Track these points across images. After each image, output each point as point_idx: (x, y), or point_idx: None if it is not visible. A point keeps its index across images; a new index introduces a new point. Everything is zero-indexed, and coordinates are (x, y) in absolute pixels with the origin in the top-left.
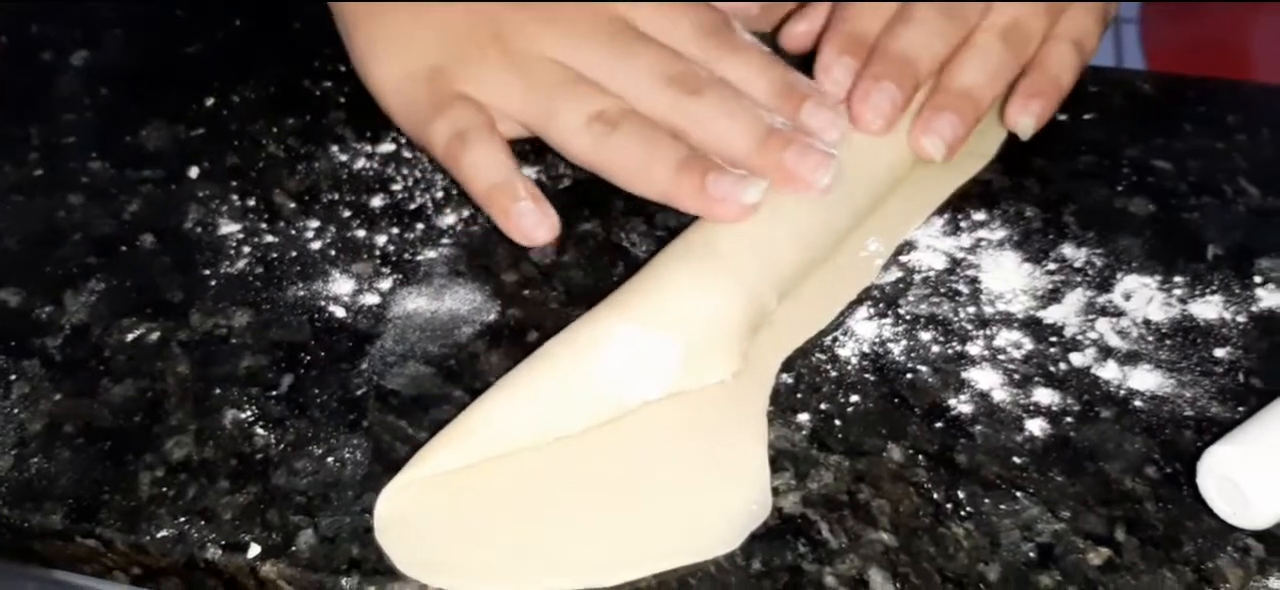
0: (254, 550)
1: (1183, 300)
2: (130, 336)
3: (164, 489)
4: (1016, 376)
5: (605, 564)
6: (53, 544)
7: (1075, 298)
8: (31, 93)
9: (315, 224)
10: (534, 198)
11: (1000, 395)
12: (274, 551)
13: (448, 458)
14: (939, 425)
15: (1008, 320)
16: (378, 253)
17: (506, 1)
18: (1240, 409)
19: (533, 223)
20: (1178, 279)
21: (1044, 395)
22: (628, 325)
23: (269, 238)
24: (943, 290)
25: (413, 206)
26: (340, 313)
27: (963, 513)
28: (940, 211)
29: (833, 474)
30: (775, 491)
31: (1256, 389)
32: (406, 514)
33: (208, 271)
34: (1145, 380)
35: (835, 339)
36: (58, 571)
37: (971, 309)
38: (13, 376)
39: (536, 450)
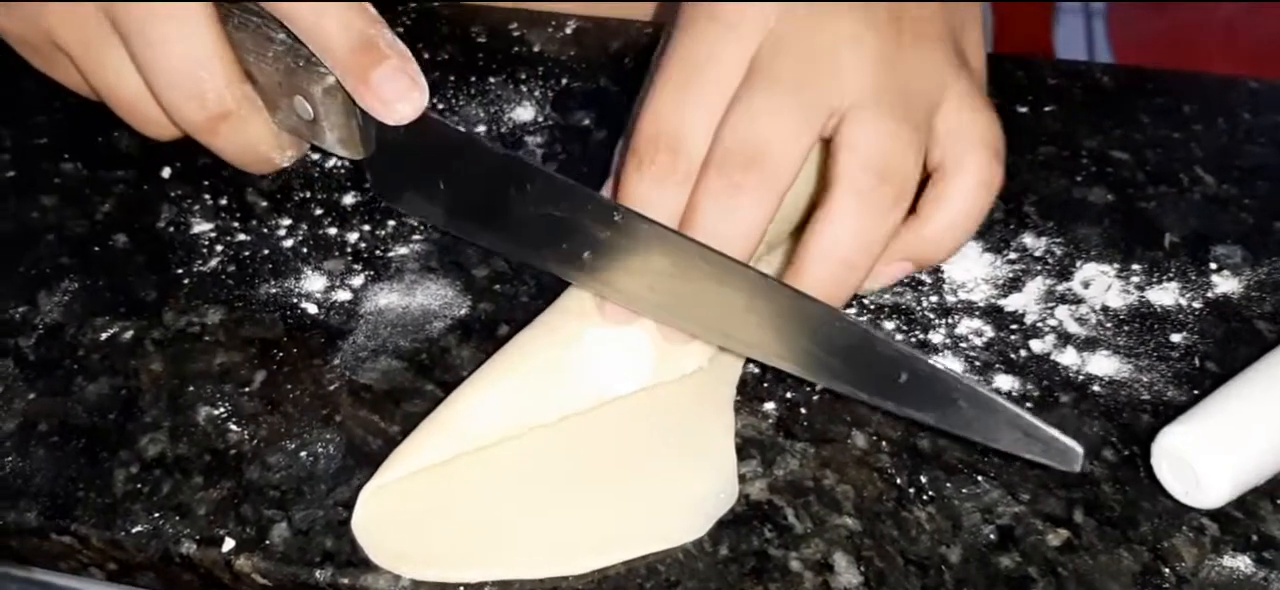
0: (229, 544)
1: (1140, 287)
2: (104, 335)
3: (139, 485)
4: (978, 363)
5: (575, 551)
6: (29, 542)
7: (1035, 286)
8: (3, 94)
9: (287, 222)
10: (401, 56)
11: None
12: (248, 545)
13: (427, 455)
14: None
15: (969, 309)
16: (349, 250)
17: None
18: (1196, 392)
19: (397, 90)
20: (1135, 267)
21: (1004, 381)
22: (599, 324)
23: (241, 236)
24: (905, 280)
25: (384, 203)
26: (312, 309)
27: (925, 497)
28: None
29: (798, 461)
30: (742, 478)
31: (1212, 373)
32: (380, 506)
33: (181, 270)
34: (1103, 366)
35: None
36: (35, 570)
37: (934, 298)
38: None
39: (509, 440)
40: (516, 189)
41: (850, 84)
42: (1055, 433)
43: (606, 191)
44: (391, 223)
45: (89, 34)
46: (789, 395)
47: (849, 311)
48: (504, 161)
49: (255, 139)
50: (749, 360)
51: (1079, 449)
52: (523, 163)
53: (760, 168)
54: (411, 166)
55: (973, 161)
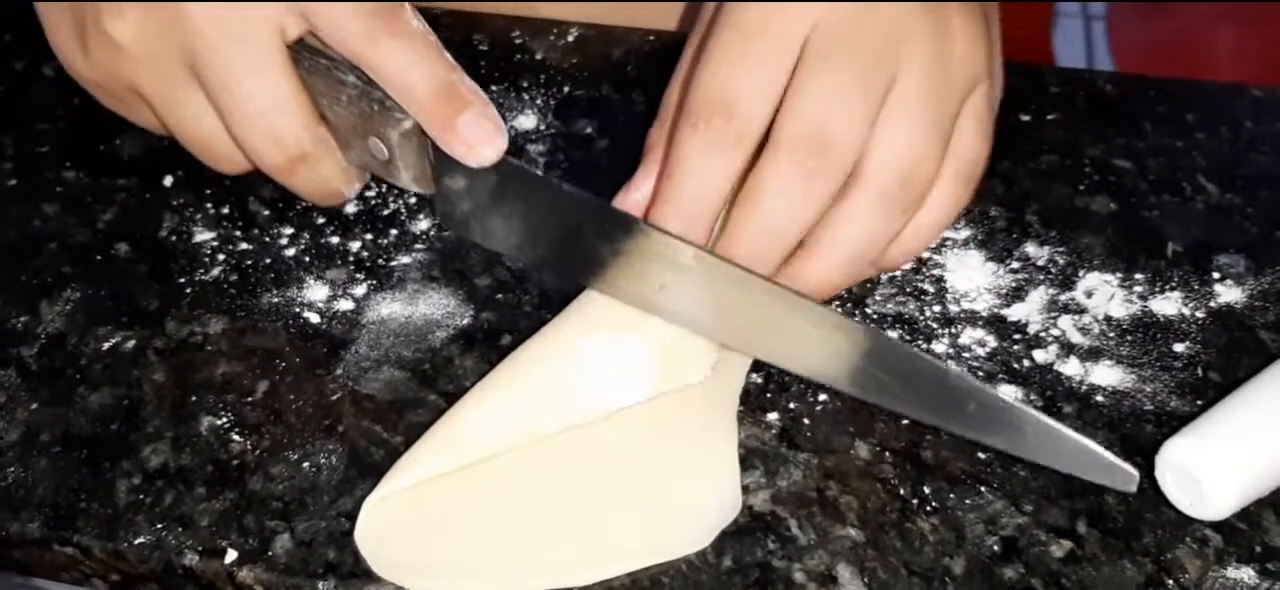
0: (231, 555)
1: (1143, 297)
2: (106, 345)
3: (141, 496)
4: (981, 373)
5: (578, 563)
6: (31, 552)
7: (1038, 295)
8: (5, 102)
9: (289, 231)
10: (482, 101)
11: None
12: (251, 556)
13: (430, 466)
14: (905, 422)
15: (972, 318)
16: (352, 259)
17: None
18: (1199, 403)
19: (481, 135)
20: (1138, 276)
21: (1008, 391)
22: (600, 334)
23: (244, 245)
24: (909, 289)
25: (386, 212)
26: (315, 319)
27: (929, 508)
28: None
29: (802, 471)
30: (745, 490)
31: (1214, 383)
32: (384, 518)
33: (183, 279)
34: (1106, 376)
35: None
36: (37, 579)
37: (937, 307)
38: None
39: (512, 451)
40: (588, 225)
41: (901, 74)
42: (1113, 458)
43: (640, 173)
44: (393, 231)
45: (169, 82)
46: (792, 406)
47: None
48: (574, 200)
49: (329, 177)
50: (751, 370)
51: (1135, 473)
52: (594, 201)
53: (831, 153)
54: (480, 200)
55: (953, 188)
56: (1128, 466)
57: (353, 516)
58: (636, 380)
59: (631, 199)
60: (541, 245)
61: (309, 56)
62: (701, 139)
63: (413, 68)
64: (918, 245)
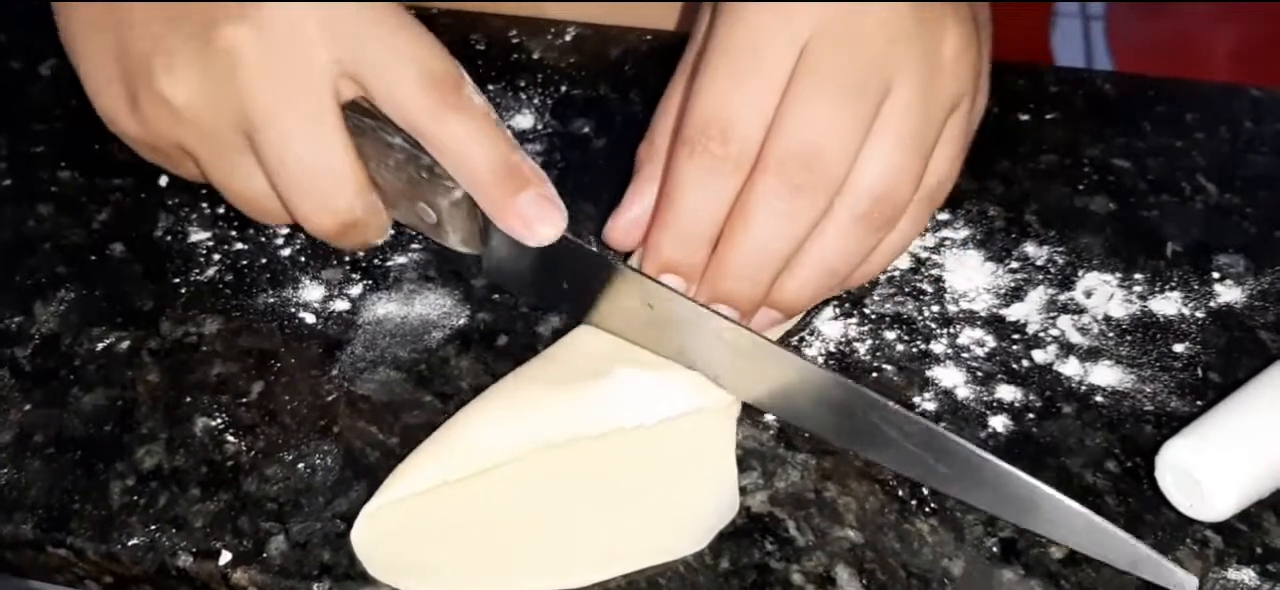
0: (225, 557)
1: (1142, 297)
2: (100, 346)
3: (135, 498)
4: (980, 374)
5: (575, 565)
6: (24, 554)
7: (1037, 295)
8: (0, 102)
9: (285, 231)
10: (540, 179)
11: (964, 392)
12: (245, 558)
13: (431, 473)
14: None
15: (971, 318)
16: (348, 259)
17: None
18: (1199, 403)
19: (541, 214)
20: (1137, 276)
21: (1006, 392)
22: (627, 368)
23: (239, 245)
24: (907, 289)
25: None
26: (310, 319)
27: (928, 509)
28: None
29: (800, 472)
30: (743, 491)
31: (1214, 383)
32: (380, 522)
33: (178, 280)
34: (1106, 376)
35: (801, 339)
36: (32, 582)
37: (935, 308)
38: None
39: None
40: (638, 300)
41: (895, 85)
42: (1171, 566)
43: (631, 192)
44: (390, 231)
45: (221, 145)
46: None
47: (851, 322)
48: (627, 277)
49: (374, 235)
50: None
51: (1194, 579)
52: (647, 280)
53: (820, 169)
54: (530, 266)
55: (920, 211)
56: (1184, 573)
57: (348, 518)
58: (652, 408)
59: (625, 219)
60: (588, 310)
61: (354, 116)
62: (699, 165)
63: (475, 144)
64: (882, 264)
